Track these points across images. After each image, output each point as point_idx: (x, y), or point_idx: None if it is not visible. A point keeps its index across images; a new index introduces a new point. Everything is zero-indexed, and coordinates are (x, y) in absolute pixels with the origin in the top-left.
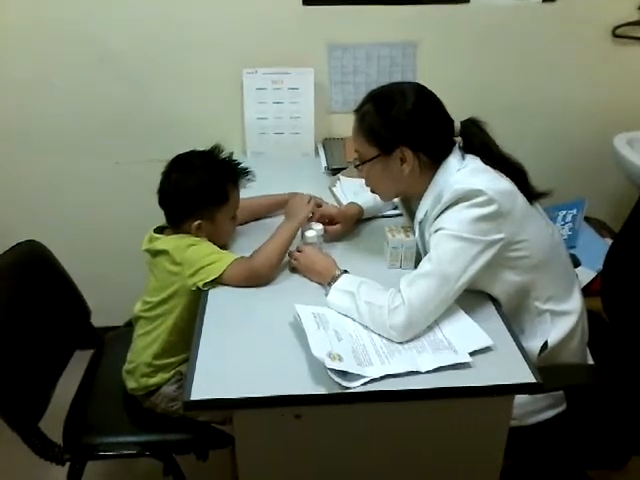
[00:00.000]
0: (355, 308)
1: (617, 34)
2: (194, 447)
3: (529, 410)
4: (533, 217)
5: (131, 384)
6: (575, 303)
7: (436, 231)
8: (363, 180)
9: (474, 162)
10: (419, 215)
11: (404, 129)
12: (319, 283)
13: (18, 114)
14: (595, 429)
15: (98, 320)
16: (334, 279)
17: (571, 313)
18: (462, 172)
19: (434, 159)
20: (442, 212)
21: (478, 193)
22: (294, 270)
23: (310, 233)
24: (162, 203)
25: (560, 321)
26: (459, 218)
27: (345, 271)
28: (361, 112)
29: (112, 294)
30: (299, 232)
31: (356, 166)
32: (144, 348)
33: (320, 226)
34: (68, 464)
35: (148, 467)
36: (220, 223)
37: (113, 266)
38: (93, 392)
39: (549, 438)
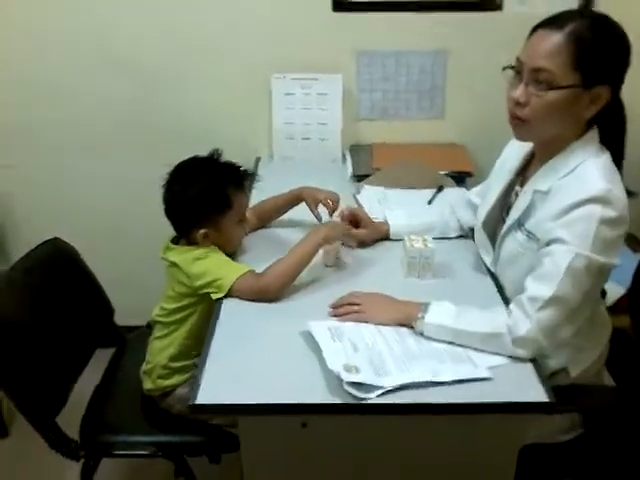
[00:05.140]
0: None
1: None
2: (206, 450)
3: (549, 430)
4: None
5: (147, 385)
6: (598, 343)
7: (560, 241)
8: (386, 190)
9: (607, 153)
10: (540, 186)
11: (617, 65)
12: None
13: (37, 116)
14: (614, 454)
15: (123, 319)
16: (420, 319)
17: (593, 349)
18: (601, 163)
19: (600, 116)
20: (571, 210)
21: (618, 207)
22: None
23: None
24: (167, 214)
25: (580, 357)
26: (593, 235)
27: (426, 304)
28: (571, 27)
29: (137, 294)
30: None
31: (542, 89)
32: (160, 350)
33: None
34: (82, 460)
35: (162, 467)
36: (227, 230)
37: (139, 267)
38: (112, 390)
39: (566, 460)
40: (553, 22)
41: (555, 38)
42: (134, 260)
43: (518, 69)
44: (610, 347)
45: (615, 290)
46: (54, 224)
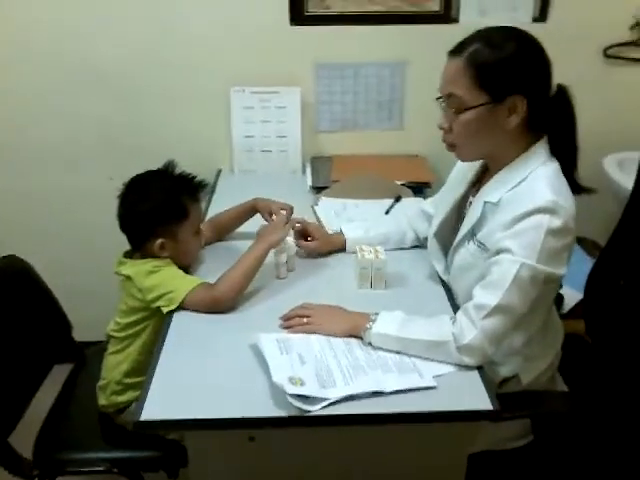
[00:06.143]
0: (407, 349)
1: (608, 54)
2: (163, 464)
3: (500, 437)
4: None
5: (101, 401)
6: (550, 350)
7: (507, 251)
8: (344, 201)
9: (556, 163)
10: (490, 198)
11: (524, 74)
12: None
13: (10, 129)
14: (564, 460)
15: (85, 335)
16: (368, 329)
17: (544, 357)
18: (548, 174)
19: (535, 124)
20: (518, 221)
21: (564, 218)
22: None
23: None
24: (123, 228)
25: (531, 365)
26: (540, 245)
27: (375, 314)
28: (468, 52)
29: (98, 309)
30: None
31: (457, 113)
32: (115, 366)
33: (293, 244)
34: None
35: None
36: (183, 240)
37: (101, 281)
38: (69, 407)
39: (517, 468)
40: (456, 49)
41: (456, 64)
42: (99, 275)
43: (442, 98)
44: (566, 352)
45: (572, 296)
46: (19, 239)
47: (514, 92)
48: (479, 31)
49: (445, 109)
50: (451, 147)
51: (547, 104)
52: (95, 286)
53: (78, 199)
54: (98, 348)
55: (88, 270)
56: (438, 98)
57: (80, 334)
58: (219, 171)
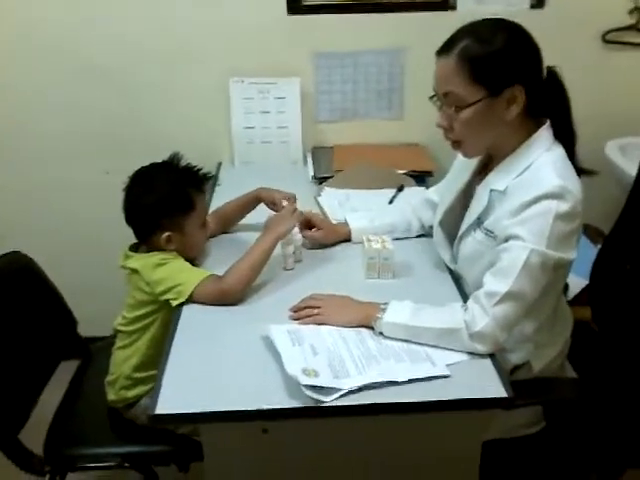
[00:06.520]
0: (418, 338)
1: (607, 39)
2: (175, 459)
3: (514, 424)
4: None
5: (110, 396)
6: (560, 337)
7: (517, 237)
8: (347, 191)
9: (561, 148)
10: (497, 186)
11: (519, 63)
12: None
13: (10, 126)
14: (579, 446)
15: (89, 330)
16: (379, 319)
17: (555, 345)
18: (554, 159)
19: (534, 110)
20: (526, 207)
21: (572, 202)
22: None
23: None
24: (128, 221)
25: (542, 352)
26: (548, 231)
27: (385, 304)
28: (459, 48)
29: (103, 304)
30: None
31: (457, 111)
32: (124, 360)
33: (299, 236)
34: (48, 476)
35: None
36: (190, 232)
37: (105, 275)
38: (77, 403)
39: (531, 453)
40: (444, 48)
41: (448, 62)
42: (103, 270)
43: (436, 97)
44: (572, 339)
45: (577, 282)
46: (20, 234)
47: (512, 83)
48: (465, 27)
49: (442, 108)
50: (455, 144)
51: (542, 89)
52: (99, 281)
53: (81, 194)
54: (104, 343)
55: (92, 265)
56: (432, 97)
57: (85, 329)
58: (219, 164)
